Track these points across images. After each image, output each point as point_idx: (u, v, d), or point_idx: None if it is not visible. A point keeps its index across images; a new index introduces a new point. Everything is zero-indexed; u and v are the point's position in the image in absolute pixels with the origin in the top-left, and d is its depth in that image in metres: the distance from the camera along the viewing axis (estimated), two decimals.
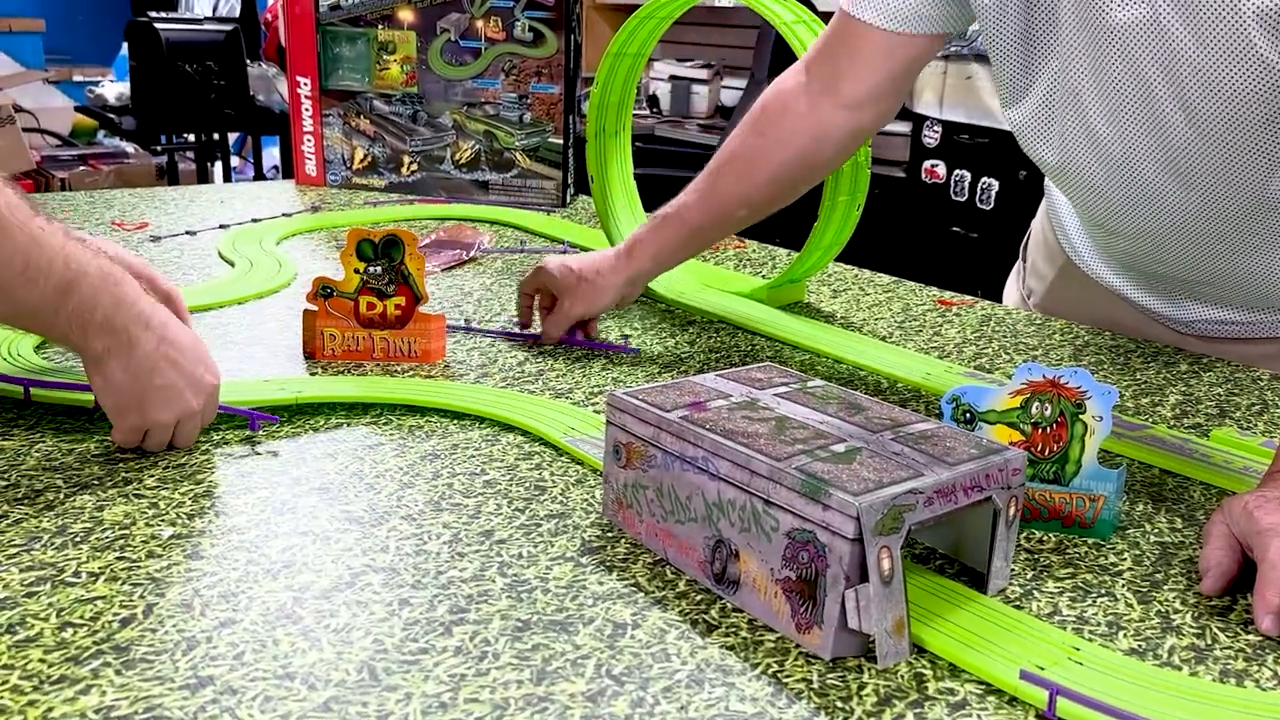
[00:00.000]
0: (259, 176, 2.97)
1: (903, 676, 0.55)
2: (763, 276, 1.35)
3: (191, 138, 2.82)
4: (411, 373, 0.98)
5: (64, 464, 0.75)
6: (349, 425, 0.85)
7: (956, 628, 0.58)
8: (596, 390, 0.95)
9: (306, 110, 1.75)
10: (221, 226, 1.48)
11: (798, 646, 0.57)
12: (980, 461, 0.61)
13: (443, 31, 1.67)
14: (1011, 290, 1.33)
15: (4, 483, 0.72)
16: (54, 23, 4.85)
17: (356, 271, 0.99)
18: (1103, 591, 0.64)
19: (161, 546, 0.64)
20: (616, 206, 1.31)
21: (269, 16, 3.37)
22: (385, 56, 1.70)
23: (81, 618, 0.57)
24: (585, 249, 1.44)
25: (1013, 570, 0.66)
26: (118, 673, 0.52)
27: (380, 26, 1.68)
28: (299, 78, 1.74)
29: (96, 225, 1.45)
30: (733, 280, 1.30)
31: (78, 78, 4.62)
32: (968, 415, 0.71)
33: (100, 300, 0.69)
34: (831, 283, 1.33)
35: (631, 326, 1.14)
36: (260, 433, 0.81)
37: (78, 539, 0.65)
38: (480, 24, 1.66)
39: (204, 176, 3.06)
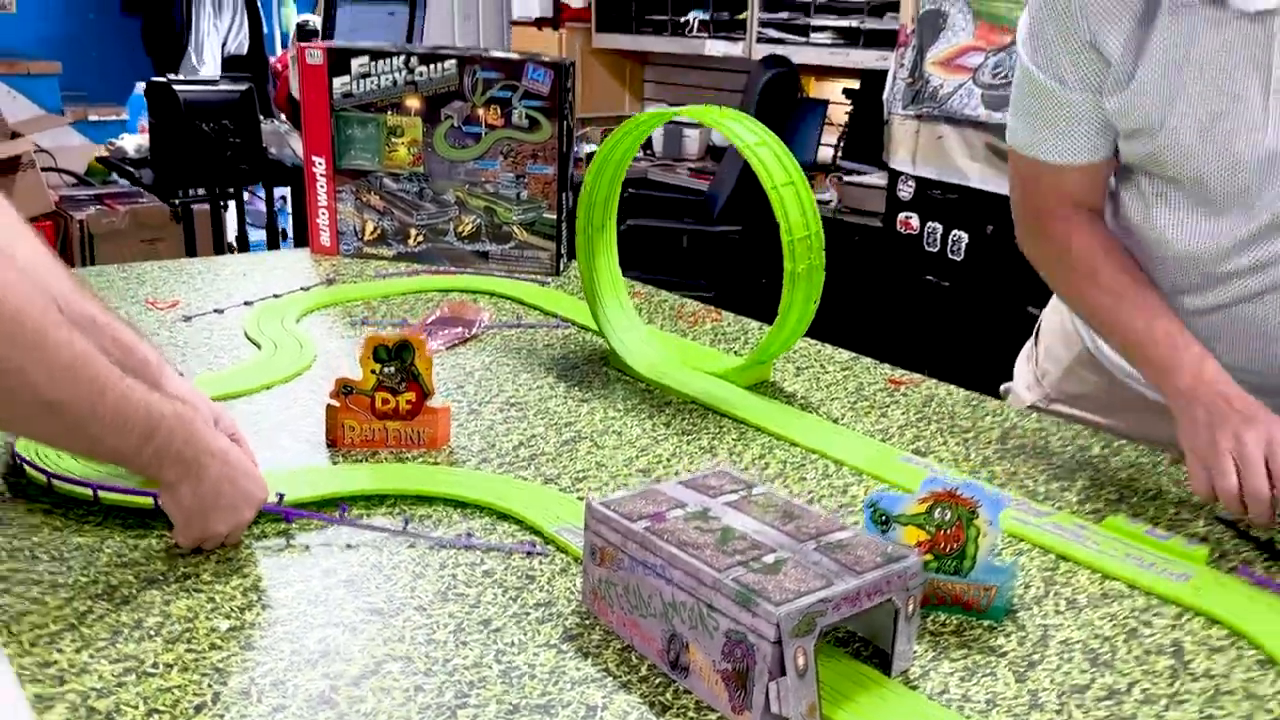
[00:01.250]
0: (270, 219, 3.12)
1: None
2: (735, 352, 1.50)
3: (204, 190, 2.98)
4: (420, 458, 1.13)
5: (132, 560, 0.90)
6: (367, 515, 0.99)
7: (859, 707, 0.73)
8: (581, 475, 1.10)
9: (321, 186, 1.90)
10: (246, 304, 1.63)
11: None
12: (883, 570, 0.75)
13: (446, 118, 1.82)
14: (1023, 371, 1.43)
15: (85, 579, 0.87)
16: (69, 62, 5.02)
17: (373, 372, 1.14)
18: (987, 671, 0.79)
19: (221, 639, 0.79)
20: (603, 291, 1.45)
21: (279, 66, 3.53)
22: (394, 139, 1.85)
23: (164, 705, 0.71)
24: (577, 323, 1.59)
25: (915, 652, 0.80)
26: None
27: (389, 112, 1.83)
28: (315, 157, 1.89)
29: (132, 304, 1.60)
30: (708, 359, 1.44)
31: (93, 117, 4.79)
32: (884, 518, 0.86)
33: (174, 439, 0.84)
34: (796, 359, 1.47)
35: (615, 407, 1.29)
36: (293, 524, 0.96)
37: (152, 633, 0.79)
38: (481, 111, 1.81)
39: (217, 217, 3.22)
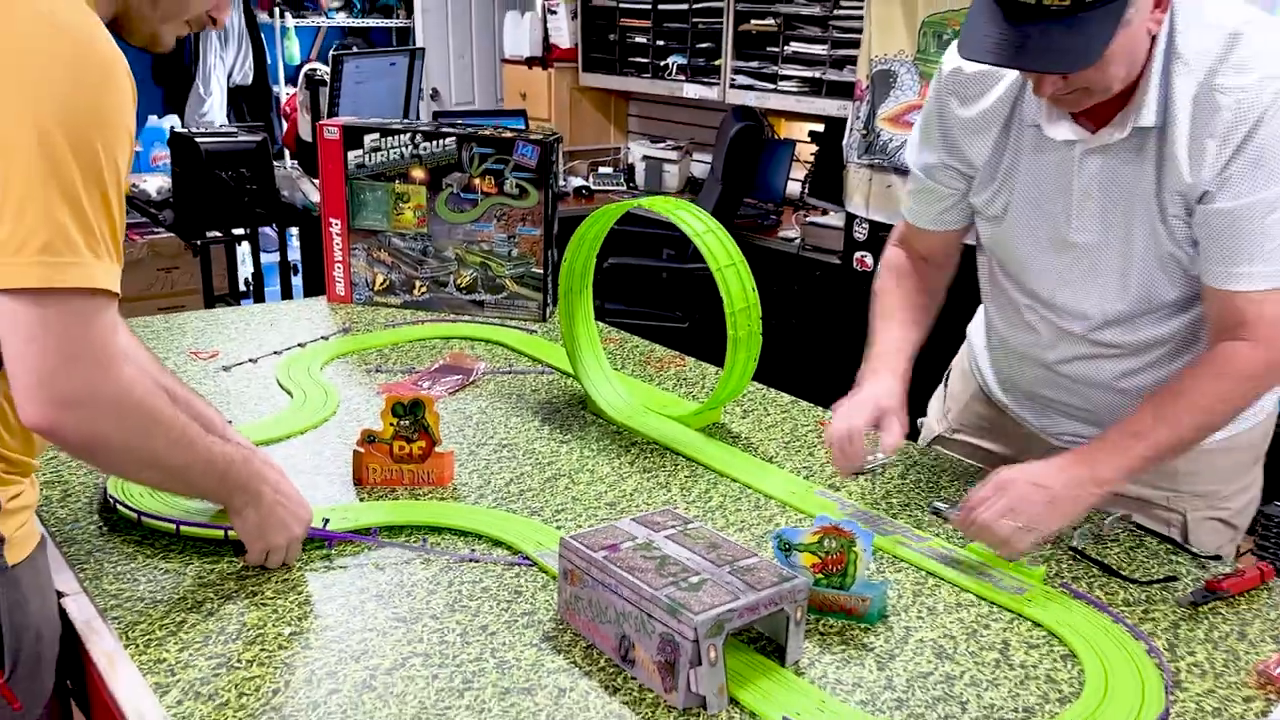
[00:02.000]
0: (283, 257, 3.39)
1: (721, 718, 0.96)
2: (693, 396, 1.77)
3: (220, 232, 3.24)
4: (431, 494, 1.39)
5: (210, 581, 1.17)
6: (390, 542, 1.26)
7: (757, 688, 1.00)
8: (560, 508, 1.36)
9: (337, 244, 2.17)
10: (275, 353, 1.89)
11: (665, 701, 0.98)
12: (777, 588, 1.02)
13: (447, 186, 2.09)
14: (934, 407, 1.74)
15: (176, 596, 1.13)
16: None
17: (391, 424, 1.41)
18: (858, 662, 1.06)
19: (285, 641, 1.06)
20: (581, 346, 1.72)
21: (288, 109, 3.79)
22: (401, 204, 2.12)
23: (249, 690, 0.98)
24: (558, 369, 1.86)
25: (805, 647, 1.07)
26: None
27: (397, 181, 2.10)
28: (332, 218, 2.16)
29: (177, 354, 1.86)
30: (669, 403, 1.71)
31: None
32: (787, 546, 1.13)
33: (240, 475, 1.11)
34: (744, 402, 1.74)
35: (590, 448, 1.56)
36: (334, 550, 1.23)
37: (234, 637, 1.06)
38: (477, 181, 2.08)
39: (231, 254, 3.49)
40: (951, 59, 1.39)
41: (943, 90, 1.40)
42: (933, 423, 1.72)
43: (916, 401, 1.83)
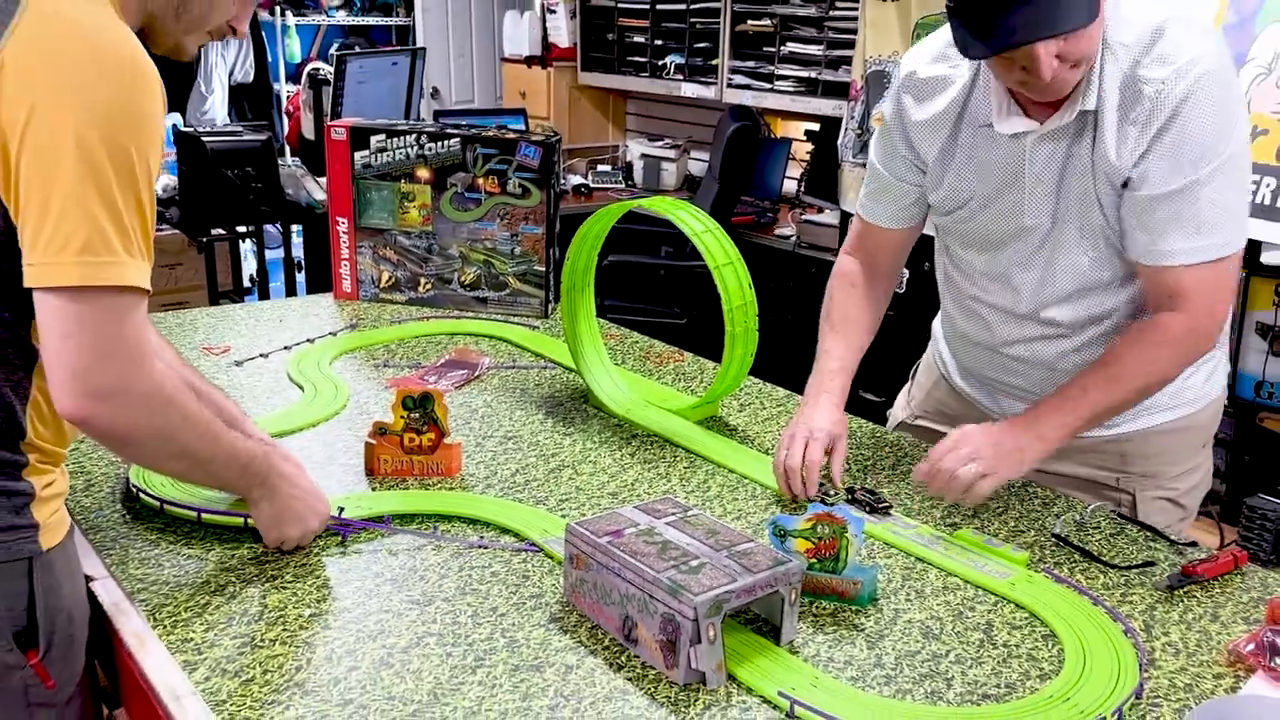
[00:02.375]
0: (288, 254, 3.43)
1: (720, 693, 1.02)
2: (691, 390, 1.82)
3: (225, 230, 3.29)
4: (440, 484, 1.45)
5: (232, 566, 1.22)
6: (402, 530, 1.32)
7: (753, 665, 1.05)
8: (564, 497, 1.42)
9: (344, 242, 2.22)
10: (286, 348, 1.95)
11: (666, 677, 1.04)
12: (772, 571, 1.08)
13: (451, 186, 2.14)
14: (901, 399, 1.84)
15: (200, 580, 1.19)
16: None
17: (402, 417, 1.46)
18: (849, 641, 1.11)
19: (305, 622, 1.11)
20: (583, 341, 1.77)
21: (290, 108, 3.84)
22: (407, 203, 2.17)
23: (273, 667, 1.04)
24: (561, 364, 1.91)
25: (799, 627, 1.13)
26: (301, 698, 0.99)
27: (403, 181, 2.16)
28: (339, 217, 2.21)
29: (190, 349, 1.92)
30: (668, 397, 1.77)
31: None
32: (782, 532, 1.19)
33: (259, 469, 1.17)
34: (741, 397, 1.80)
35: (592, 440, 1.61)
36: (349, 536, 1.28)
37: (257, 618, 1.12)
38: (481, 181, 2.13)
39: (235, 251, 3.54)
40: (910, 62, 1.51)
41: (900, 90, 1.51)
42: (897, 411, 1.82)
43: (882, 388, 1.91)
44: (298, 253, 3.50)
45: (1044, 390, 1.47)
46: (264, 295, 3.60)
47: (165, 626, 1.10)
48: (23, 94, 0.93)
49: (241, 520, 1.28)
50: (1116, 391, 1.35)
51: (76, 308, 0.96)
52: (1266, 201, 1.95)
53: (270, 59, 5.62)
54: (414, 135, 2.14)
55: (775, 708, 1.00)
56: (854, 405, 1.56)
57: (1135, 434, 1.52)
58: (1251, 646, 1.08)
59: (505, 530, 1.32)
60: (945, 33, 1.44)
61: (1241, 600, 1.22)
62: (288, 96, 4.75)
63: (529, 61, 4.80)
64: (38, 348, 1.03)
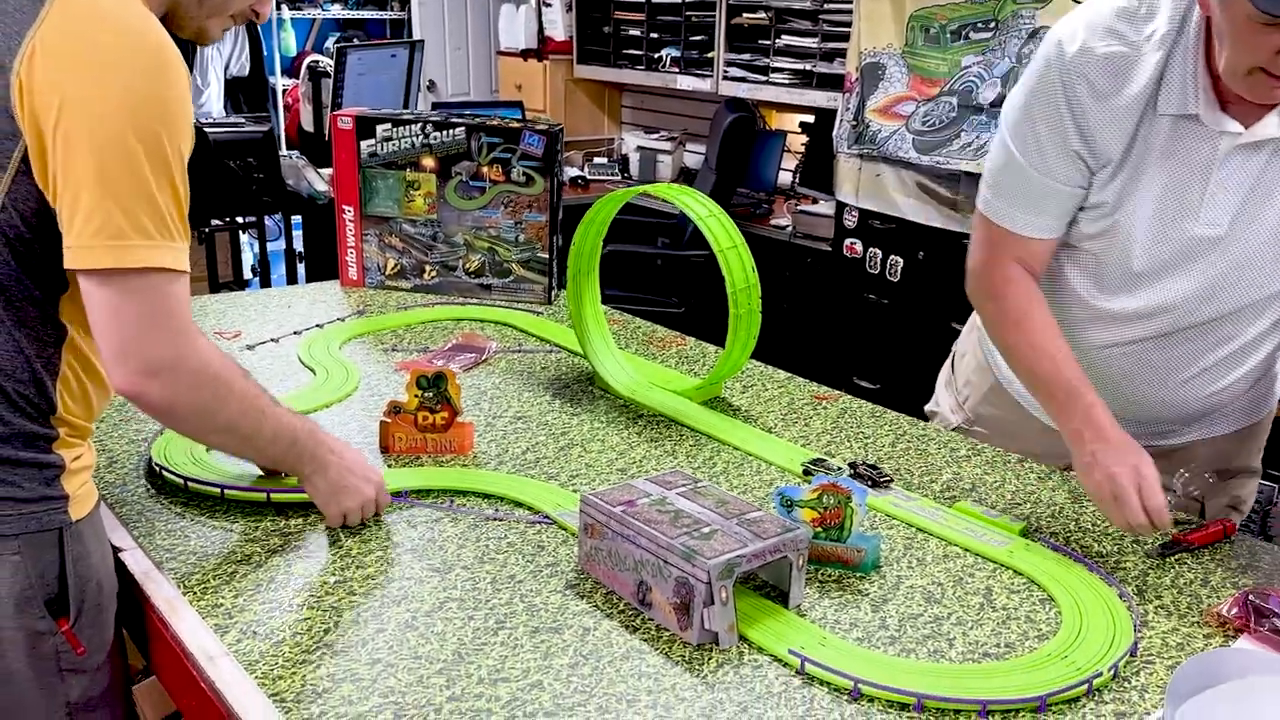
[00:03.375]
0: (289, 245, 3.47)
1: (732, 652, 1.06)
2: (694, 373, 1.87)
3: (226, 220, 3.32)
4: (452, 461, 1.49)
5: (256, 537, 1.26)
6: (419, 504, 1.35)
7: (764, 626, 1.10)
8: (575, 474, 1.46)
9: (350, 230, 2.26)
10: (296, 333, 1.98)
11: (680, 638, 1.08)
12: (779, 538, 1.12)
13: (456, 174, 2.18)
14: (945, 396, 1.72)
15: (226, 550, 1.23)
16: None
17: (416, 396, 1.50)
18: (854, 605, 1.16)
19: (330, 589, 1.15)
20: (589, 324, 1.81)
21: (289, 100, 3.87)
22: (412, 191, 2.21)
23: (301, 630, 1.07)
24: (565, 347, 1.95)
25: (806, 593, 1.17)
26: (330, 658, 1.03)
27: (408, 169, 2.19)
28: (345, 206, 2.24)
29: None
30: (672, 379, 1.81)
31: None
32: (788, 503, 1.23)
33: (306, 444, 1.21)
34: (743, 379, 1.84)
35: (599, 420, 1.65)
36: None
37: (283, 585, 1.16)
38: (485, 169, 2.17)
39: (236, 242, 3.57)
40: (1076, 37, 1.28)
41: (1069, 77, 1.28)
42: (947, 413, 1.72)
43: (925, 366, 1.94)
44: (298, 244, 3.53)
45: (1139, 406, 1.42)
46: (265, 286, 3.64)
47: (195, 593, 1.14)
48: (55, 82, 0.97)
49: (264, 495, 1.32)
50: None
51: (114, 289, 1.00)
52: None
53: (265, 53, 5.64)
54: (419, 124, 2.17)
55: (786, 665, 1.04)
56: (849, 392, 1.61)
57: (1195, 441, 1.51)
58: (1235, 610, 1.13)
59: (519, 504, 1.36)
60: (1104, 2, 1.28)
61: (1230, 567, 1.27)
62: (284, 90, 4.77)
63: (525, 54, 4.83)
64: (67, 325, 1.07)
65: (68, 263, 1.00)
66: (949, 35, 2.92)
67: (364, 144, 2.19)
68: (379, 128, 2.18)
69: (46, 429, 1.08)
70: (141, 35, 1.00)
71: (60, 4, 0.99)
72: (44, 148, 0.98)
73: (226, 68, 5.56)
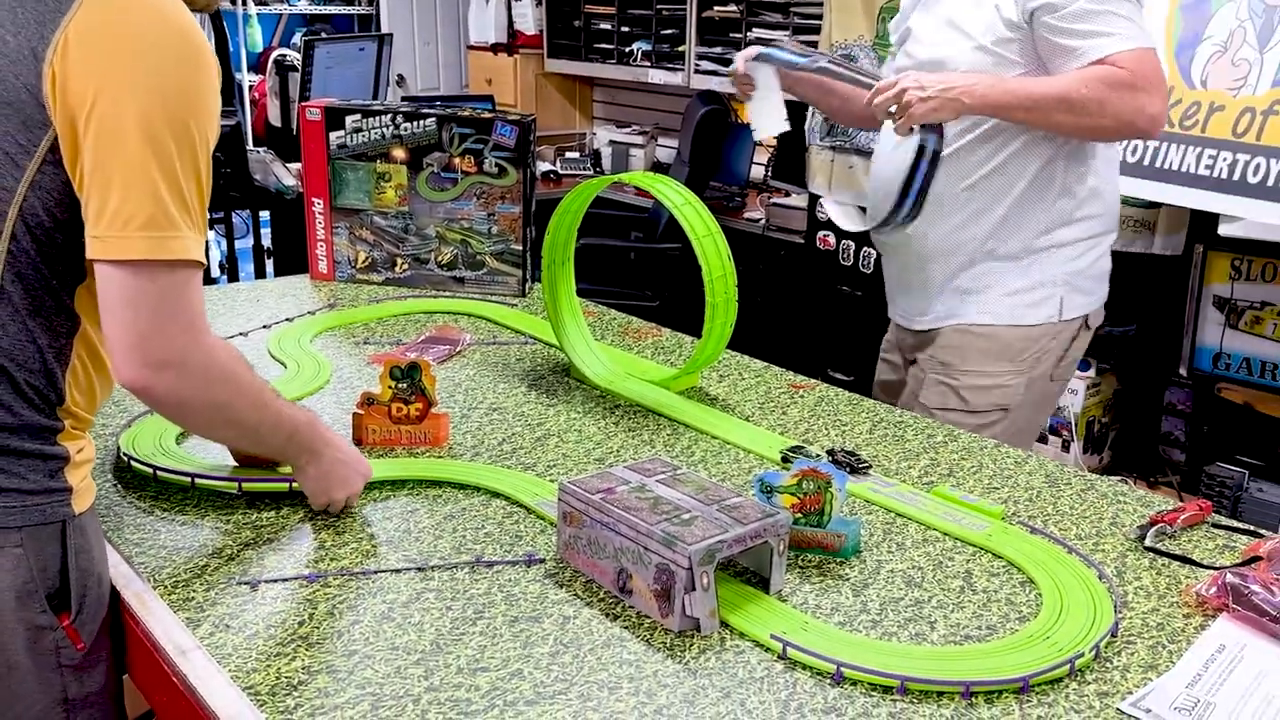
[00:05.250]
0: (257, 240, 3.42)
1: (714, 638, 1.05)
2: (671, 363, 1.86)
3: None
4: (427, 453, 1.47)
5: (228, 530, 1.23)
6: (394, 496, 1.34)
7: (745, 612, 1.09)
8: (552, 464, 1.45)
9: (320, 223, 2.23)
10: (264, 327, 1.95)
11: (660, 625, 1.07)
12: (760, 523, 1.11)
13: (428, 165, 2.16)
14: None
15: (196, 544, 1.20)
16: None
17: (390, 387, 1.48)
18: (835, 590, 1.15)
19: (304, 581, 1.13)
20: (564, 315, 1.80)
21: (256, 95, 3.82)
22: (383, 183, 2.18)
23: (275, 622, 1.05)
24: (540, 339, 1.94)
25: (786, 578, 1.17)
26: (305, 650, 1.01)
27: (379, 161, 2.17)
28: (314, 198, 2.21)
29: None
30: (649, 370, 1.80)
31: None
32: (768, 489, 1.22)
33: (303, 436, 1.20)
34: (719, 368, 1.84)
35: (576, 410, 1.64)
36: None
37: (255, 579, 1.13)
38: (457, 160, 2.15)
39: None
40: None
41: None
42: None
43: (851, 368, 1.96)
44: (266, 239, 3.49)
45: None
46: (234, 280, 3.59)
47: (166, 587, 1.12)
48: (89, 73, 0.96)
49: (235, 485, 1.29)
50: (1048, 87, 1.61)
51: (139, 280, 0.99)
52: (1224, 175, 2.01)
53: (231, 48, 5.56)
54: (389, 115, 2.15)
55: (768, 650, 1.04)
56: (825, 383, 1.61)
57: (944, 327, 1.82)
58: (1214, 590, 1.13)
59: (496, 494, 1.35)
60: None
61: (1207, 548, 1.27)
62: (250, 86, 4.72)
63: (495, 49, 4.80)
64: (81, 316, 1.05)
65: (94, 253, 0.99)
66: None
67: (333, 135, 2.17)
68: (348, 119, 2.15)
69: (53, 420, 1.06)
70: (173, 24, 1.00)
71: None
72: (76, 138, 0.98)
73: None
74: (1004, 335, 1.79)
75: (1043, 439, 2.68)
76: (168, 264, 0.99)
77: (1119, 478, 2.61)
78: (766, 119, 1.87)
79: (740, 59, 1.87)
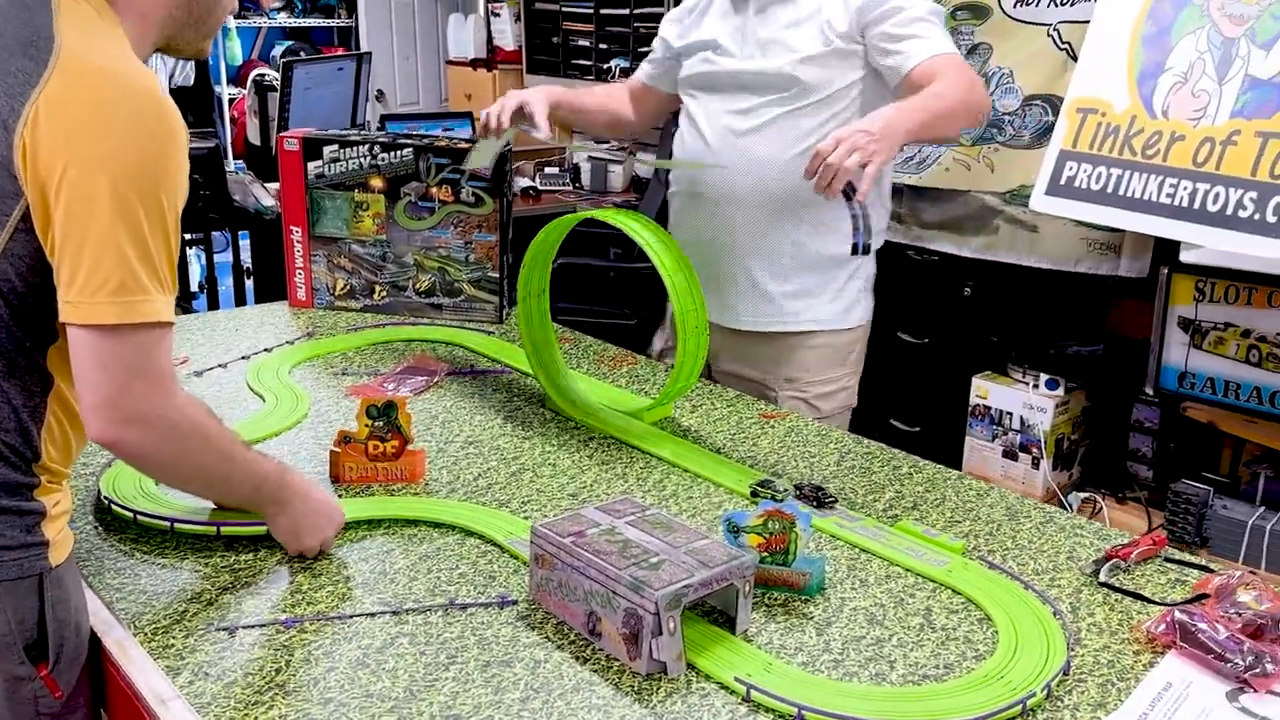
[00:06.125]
0: (236, 261, 3.44)
1: (680, 681, 1.09)
2: (645, 392, 1.89)
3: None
4: (403, 490, 1.50)
5: (206, 574, 1.26)
6: (370, 536, 1.36)
7: (712, 654, 1.12)
8: (526, 499, 1.48)
9: (298, 251, 2.25)
10: (244, 358, 1.98)
11: (630, 668, 1.10)
12: (725, 566, 1.15)
13: (405, 195, 2.18)
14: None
15: (176, 588, 1.23)
16: None
17: (366, 425, 1.51)
18: (799, 629, 1.19)
19: (281, 627, 1.16)
20: (540, 346, 1.83)
21: (235, 114, 3.84)
22: (360, 212, 2.21)
23: (254, 669, 1.08)
24: (516, 368, 1.97)
25: (753, 617, 1.20)
26: (283, 699, 1.04)
27: (356, 190, 2.19)
28: (293, 226, 2.24)
29: None
30: (623, 399, 1.83)
31: None
32: (735, 528, 1.26)
33: (271, 486, 1.23)
34: (693, 398, 1.87)
35: (551, 443, 1.67)
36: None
37: (234, 624, 1.16)
38: (434, 190, 2.17)
39: (183, 260, 3.53)
40: None
41: None
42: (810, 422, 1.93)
43: (872, 376, 2.01)
44: (246, 259, 3.50)
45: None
46: (213, 301, 3.60)
47: (146, 634, 1.14)
48: (59, 146, 0.99)
49: (214, 529, 1.32)
50: (937, 101, 1.69)
51: (109, 342, 1.02)
52: (1184, 203, 2.06)
53: (211, 62, 5.57)
54: (367, 145, 2.18)
55: (732, 693, 1.07)
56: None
57: (782, 342, 1.95)
58: (1162, 627, 1.17)
59: (470, 533, 1.38)
60: None
61: (1160, 581, 1.31)
62: (231, 101, 4.73)
63: (474, 64, 4.83)
64: (54, 375, 1.08)
65: (66, 317, 1.02)
66: None
67: (311, 165, 2.19)
68: (326, 149, 2.18)
69: (29, 477, 1.09)
70: (142, 96, 1.02)
71: (62, 65, 1.01)
72: (47, 207, 1.01)
73: (171, 77, 5.50)
74: (835, 341, 1.98)
75: (1013, 456, 2.73)
76: (138, 327, 1.02)
77: (1086, 493, 2.66)
78: (484, 157, 2.00)
79: (504, 113, 1.93)
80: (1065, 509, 2.02)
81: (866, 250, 1.64)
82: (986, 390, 2.75)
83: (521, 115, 1.94)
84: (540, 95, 1.97)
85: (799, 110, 1.87)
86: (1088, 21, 2.40)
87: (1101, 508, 2.60)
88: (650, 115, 2.28)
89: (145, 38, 1.09)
